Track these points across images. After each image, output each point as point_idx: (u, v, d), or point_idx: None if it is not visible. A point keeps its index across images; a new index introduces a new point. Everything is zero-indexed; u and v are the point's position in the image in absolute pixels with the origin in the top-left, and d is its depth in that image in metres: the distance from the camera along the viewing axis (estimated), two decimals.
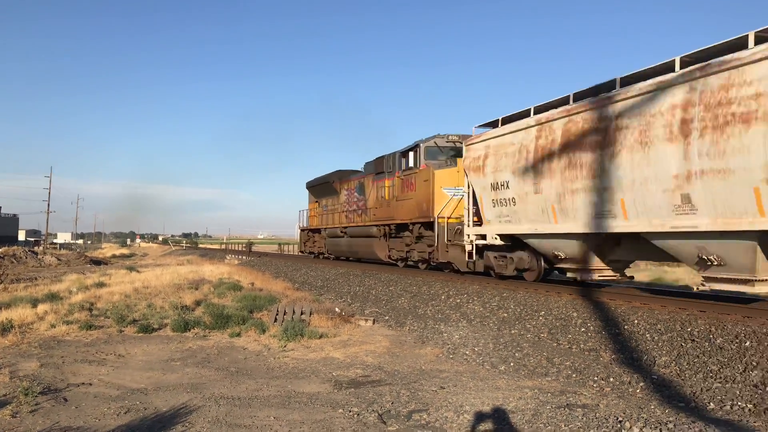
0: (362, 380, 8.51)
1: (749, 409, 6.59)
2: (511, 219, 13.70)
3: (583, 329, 10.17)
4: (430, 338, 11.74)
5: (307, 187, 32.89)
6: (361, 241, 24.24)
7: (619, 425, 6.05)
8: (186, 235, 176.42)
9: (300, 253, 38.63)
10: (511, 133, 13.57)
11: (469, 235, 15.61)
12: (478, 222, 15.41)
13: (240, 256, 45.33)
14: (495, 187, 14.07)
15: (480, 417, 6.57)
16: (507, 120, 14.15)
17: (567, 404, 6.94)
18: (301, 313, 13.65)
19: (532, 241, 13.49)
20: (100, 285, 21.08)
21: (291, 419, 6.66)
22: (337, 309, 14.60)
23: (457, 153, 17.82)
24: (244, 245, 59.15)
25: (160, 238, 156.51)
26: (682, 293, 12.77)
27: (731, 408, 6.70)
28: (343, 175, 27.51)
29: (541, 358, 9.52)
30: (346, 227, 25.90)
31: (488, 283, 14.79)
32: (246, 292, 18.41)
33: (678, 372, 7.91)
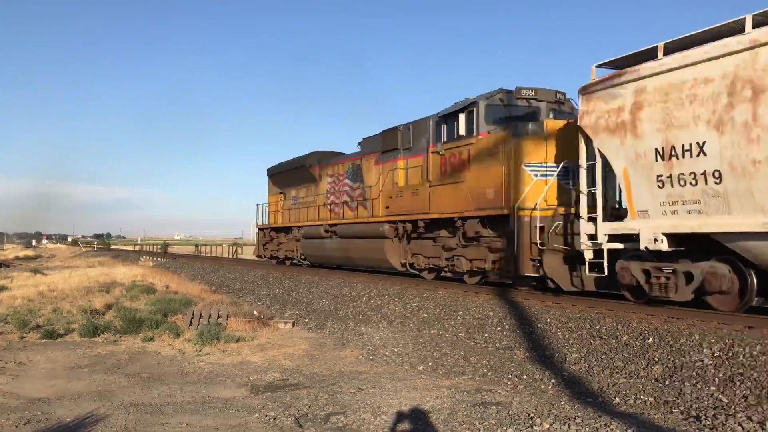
0: (280, 384, 8.39)
1: (650, 402, 6.95)
2: (706, 207, 8.83)
3: (499, 328, 10.44)
4: (350, 340, 11.72)
5: (268, 175, 26.65)
6: (361, 243, 18.32)
7: (530, 422, 6.24)
8: (98, 236, 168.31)
9: (258, 258, 29.05)
10: (700, 62, 8.79)
11: (595, 236, 10.55)
12: (607, 215, 10.70)
13: (155, 258, 43.84)
14: (665, 154, 9.30)
15: (397, 417, 6.61)
16: (678, 46, 9.30)
17: (482, 402, 7.09)
18: (218, 317, 13.32)
19: (750, 245, 8.60)
20: (1, 288, 19.82)
21: (205, 425, 6.47)
22: (255, 312, 14.35)
23: (532, 115, 13.29)
24: (159, 246, 57.31)
25: (70, 239, 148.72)
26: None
27: (634, 402, 7.05)
28: (324, 157, 22.17)
29: (458, 357, 9.69)
30: (334, 225, 19.97)
31: (409, 284, 14.92)
32: (160, 295, 17.83)
33: (587, 368, 8.25)
